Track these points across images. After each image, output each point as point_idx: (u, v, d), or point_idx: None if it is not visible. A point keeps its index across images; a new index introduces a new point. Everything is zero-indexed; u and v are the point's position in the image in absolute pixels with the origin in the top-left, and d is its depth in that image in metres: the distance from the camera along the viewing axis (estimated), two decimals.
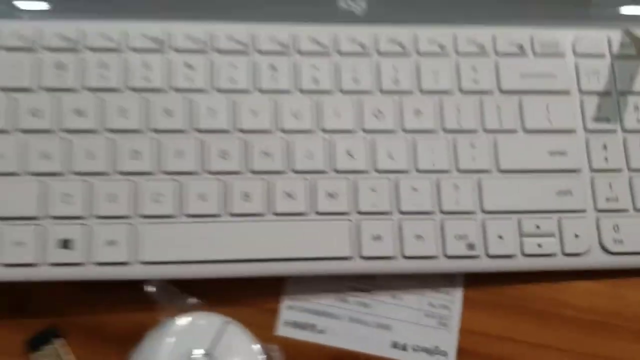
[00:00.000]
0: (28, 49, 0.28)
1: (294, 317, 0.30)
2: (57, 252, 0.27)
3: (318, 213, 0.28)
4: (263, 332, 0.29)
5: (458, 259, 0.28)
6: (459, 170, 0.29)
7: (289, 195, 0.28)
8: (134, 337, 0.27)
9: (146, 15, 0.29)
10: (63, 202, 0.27)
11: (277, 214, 0.28)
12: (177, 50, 0.29)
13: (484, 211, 0.29)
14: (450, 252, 0.28)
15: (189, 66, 0.29)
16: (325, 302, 0.30)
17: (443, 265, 0.28)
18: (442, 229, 0.28)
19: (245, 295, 0.30)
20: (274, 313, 0.30)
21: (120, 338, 0.29)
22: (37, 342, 0.29)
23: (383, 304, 0.31)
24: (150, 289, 0.28)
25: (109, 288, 0.29)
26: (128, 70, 0.28)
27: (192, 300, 0.29)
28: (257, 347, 0.27)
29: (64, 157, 0.27)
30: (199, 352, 0.26)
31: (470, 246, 0.28)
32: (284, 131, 0.29)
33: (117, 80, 0.28)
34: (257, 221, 0.28)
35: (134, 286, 0.29)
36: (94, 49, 0.29)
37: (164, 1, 0.30)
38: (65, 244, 0.27)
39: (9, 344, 0.29)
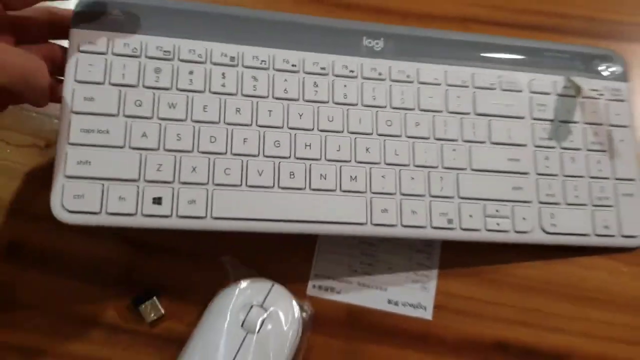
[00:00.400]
0: (135, 56, 0.38)
1: (319, 282, 0.41)
2: (150, 207, 0.36)
3: (343, 190, 0.38)
4: (298, 293, 0.39)
5: (440, 230, 0.39)
6: (444, 167, 0.39)
7: (323, 176, 0.38)
8: (211, 295, 0.38)
9: (225, 39, 0.39)
10: (157, 170, 0.36)
11: (313, 189, 0.38)
12: (246, 66, 0.39)
13: (460, 197, 0.39)
14: (435, 224, 0.38)
15: (255, 78, 0.39)
16: (341, 272, 0.40)
17: (429, 233, 0.39)
18: (430, 207, 0.39)
19: (286, 268, 0.41)
20: (305, 280, 0.41)
21: (201, 296, 0.39)
22: (139, 300, 0.39)
23: (381, 274, 0.41)
24: (224, 259, 0.39)
25: (196, 259, 0.40)
26: (209, 78, 0.38)
27: (250, 270, 0.39)
28: (294, 301, 0.37)
29: (159, 137, 0.37)
30: (256, 303, 0.36)
31: (450, 221, 0.39)
32: (320, 130, 0.39)
33: (201, 85, 0.38)
34: (298, 193, 0.38)
35: (213, 260, 0.39)
36: (184, 60, 0.38)
37: (240, 31, 0.40)
38: (157, 200, 0.36)
39: (120, 304, 0.39)
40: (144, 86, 0.37)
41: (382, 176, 0.39)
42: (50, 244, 0.40)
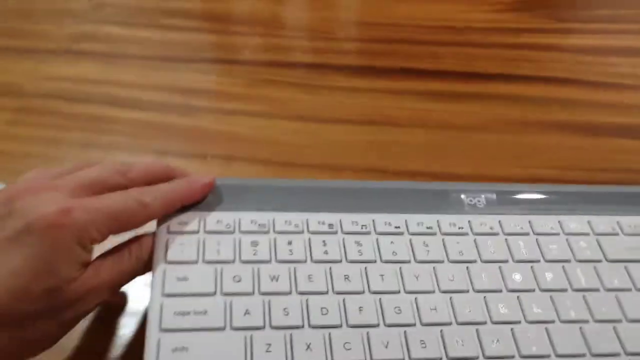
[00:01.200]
0: (229, 232, 0.35)
1: None
2: None
3: (487, 357, 0.31)
4: None
5: None
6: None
7: (459, 342, 0.32)
8: None
9: (319, 209, 0.37)
10: (266, 351, 0.30)
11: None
12: (346, 232, 0.36)
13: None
14: None
15: (358, 243, 0.35)
16: None
17: None
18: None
19: None
20: None
21: None
22: None
23: None
24: None
25: None
26: (309, 246, 0.34)
27: None
28: None
29: (264, 314, 0.31)
30: None
31: None
32: (443, 291, 0.34)
33: (302, 255, 0.34)
34: None
35: None
36: (281, 232, 0.35)
37: (331, 201, 0.37)
38: None
39: None
40: (241, 261, 0.33)
41: (528, 336, 0.32)
42: None
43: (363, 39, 0.57)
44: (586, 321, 0.34)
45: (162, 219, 0.34)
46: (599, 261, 0.36)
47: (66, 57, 0.54)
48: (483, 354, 0.31)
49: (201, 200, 0.36)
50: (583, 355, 0.32)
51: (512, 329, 0.33)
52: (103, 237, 0.31)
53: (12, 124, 0.47)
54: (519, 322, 0.33)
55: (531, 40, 0.57)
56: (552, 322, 0.33)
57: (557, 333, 0.33)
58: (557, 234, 0.37)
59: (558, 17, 0.60)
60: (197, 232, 0.34)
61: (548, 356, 0.32)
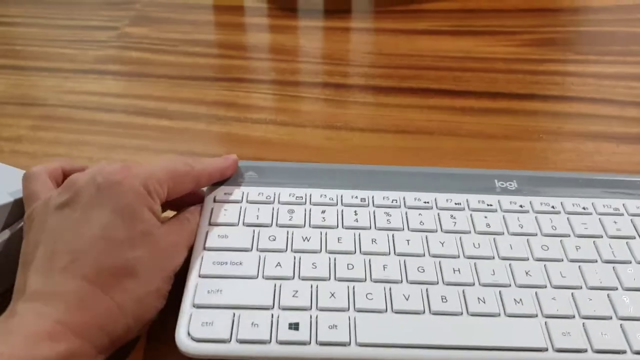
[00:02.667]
0: (269, 203, 0.38)
1: None
2: (286, 332, 0.31)
3: (508, 314, 0.32)
4: None
5: None
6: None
7: (481, 299, 0.32)
8: None
9: (353, 187, 0.39)
10: (293, 296, 0.32)
11: (472, 314, 0.32)
12: (377, 206, 0.38)
13: None
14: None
15: (388, 214, 0.37)
16: None
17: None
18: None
19: None
20: None
21: None
22: None
23: None
24: None
25: None
26: (342, 216, 0.37)
27: None
28: None
29: (294, 267, 0.34)
30: None
31: None
32: (467, 257, 0.35)
33: (334, 222, 0.37)
34: (456, 317, 0.32)
35: None
36: (316, 204, 0.38)
37: (366, 180, 0.40)
38: (293, 326, 0.31)
39: None
40: (278, 225, 0.36)
41: (553, 298, 0.33)
42: None
43: (387, 66, 0.58)
44: (614, 288, 0.33)
45: (209, 191, 0.38)
46: (633, 238, 0.36)
47: (91, 76, 0.56)
48: (504, 312, 0.32)
49: (231, 175, 0.39)
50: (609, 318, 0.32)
51: (535, 292, 0.33)
52: (162, 192, 0.34)
53: (36, 129, 0.49)
54: (545, 286, 0.33)
55: (553, 68, 0.58)
56: (580, 288, 0.33)
57: (581, 298, 0.33)
58: (590, 214, 0.38)
59: (576, 51, 0.62)
60: (240, 201, 0.38)
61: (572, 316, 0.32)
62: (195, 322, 0.31)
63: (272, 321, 0.31)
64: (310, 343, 0.30)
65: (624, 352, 0.31)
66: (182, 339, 0.30)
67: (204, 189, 0.39)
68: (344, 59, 0.60)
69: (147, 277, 0.31)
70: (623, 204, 0.38)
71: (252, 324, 0.31)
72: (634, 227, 0.37)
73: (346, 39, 0.65)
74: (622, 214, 0.38)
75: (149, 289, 0.31)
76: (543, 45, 0.62)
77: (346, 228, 0.36)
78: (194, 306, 0.32)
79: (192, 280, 0.33)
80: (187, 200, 0.37)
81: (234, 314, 0.31)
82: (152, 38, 0.63)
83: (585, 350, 0.31)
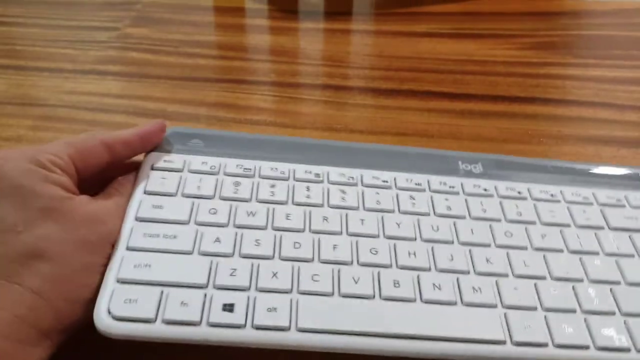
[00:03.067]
0: (213, 173, 0.34)
1: None
2: (219, 314, 0.28)
3: (465, 303, 0.29)
4: None
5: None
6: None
7: (436, 286, 0.30)
8: None
9: (307, 162, 0.36)
10: (230, 275, 0.29)
11: (426, 301, 0.29)
12: (332, 182, 0.35)
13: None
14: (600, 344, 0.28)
15: (342, 192, 0.34)
16: None
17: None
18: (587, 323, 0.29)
19: None
20: None
21: None
22: None
23: None
24: None
25: None
26: (293, 191, 0.34)
27: None
28: None
29: (235, 243, 0.31)
30: None
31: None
32: (425, 240, 0.32)
33: (284, 197, 0.33)
34: (408, 304, 0.29)
35: None
36: (266, 177, 0.35)
37: (322, 156, 0.37)
38: (228, 307, 0.28)
39: None
40: (220, 198, 0.33)
41: (515, 288, 0.30)
42: None
43: (388, 68, 0.57)
44: (580, 280, 0.31)
45: (147, 159, 0.35)
46: (601, 228, 0.34)
47: (91, 76, 0.55)
48: (461, 301, 0.29)
49: (159, 142, 0.36)
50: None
51: (496, 280, 0.30)
52: (65, 163, 0.30)
53: (36, 130, 0.48)
54: (507, 275, 0.31)
55: (553, 71, 0.57)
56: (544, 278, 0.31)
57: (545, 289, 0.30)
58: (558, 201, 0.35)
59: (577, 55, 0.61)
60: (181, 170, 0.34)
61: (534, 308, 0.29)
62: (117, 299, 0.27)
63: (204, 301, 0.28)
64: (245, 326, 0.27)
65: (587, 347, 0.28)
66: (101, 317, 0.27)
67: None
68: (344, 61, 0.59)
69: (62, 253, 0.28)
70: (593, 193, 0.36)
71: (181, 302, 0.28)
72: (604, 217, 0.35)
73: (346, 41, 0.64)
74: (591, 203, 0.35)
75: (70, 266, 0.28)
76: (543, 48, 0.61)
77: (296, 204, 0.33)
78: (117, 281, 0.28)
79: (119, 252, 0.30)
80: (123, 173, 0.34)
81: (162, 292, 0.28)
82: (153, 39, 0.62)
83: (546, 345, 0.28)
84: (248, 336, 0.27)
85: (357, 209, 0.34)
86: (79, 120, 0.50)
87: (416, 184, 0.35)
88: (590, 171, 0.38)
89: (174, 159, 0.35)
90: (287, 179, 0.35)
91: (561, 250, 0.32)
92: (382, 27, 0.66)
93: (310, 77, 0.56)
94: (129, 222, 0.31)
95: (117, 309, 0.27)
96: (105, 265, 0.29)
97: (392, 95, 0.53)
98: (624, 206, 0.35)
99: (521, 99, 0.53)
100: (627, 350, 0.28)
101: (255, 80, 0.56)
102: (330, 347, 0.27)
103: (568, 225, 0.34)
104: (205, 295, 0.28)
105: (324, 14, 0.70)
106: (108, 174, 0.34)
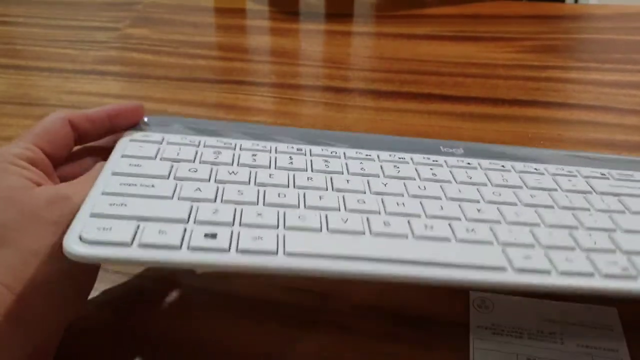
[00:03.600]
0: (193, 145, 0.33)
1: None
2: (201, 239, 0.25)
3: (460, 240, 0.28)
4: None
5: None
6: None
7: (429, 227, 0.28)
8: None
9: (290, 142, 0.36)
10: (212, 213, 0.27)
11: (418, 237, 0.28)
12: (315, 155, 0.34)
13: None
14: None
15: (326, 162, 0.33)
16: None
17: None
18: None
19: None
20: None
21: None
22: None
23: None
24: None
25: None
26: (275, 160, 0.33)
27: None
28: None
29: (217, 192, 0.29)
30: None
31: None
32: (412, 195, 0.31)
33: (266, 163, 0.33)
34: (401, 239, 0.27)
35: None
36: (247, 149, 0.34)
37: (311, 136, 0.37)
38: (211, 235, 0.26)
39: None
40: (200, 162, 0.32)
41: (509, 230, 0.29)
42: None
43: (388, 70, 0.58)
44: (575, 227, 0.30)
45: (125, 134, 0.34)
46: (590, 192, 0.34)
47: (91, 77, 0.55)
48: (455, 238, 0.28)
49: (136, 122, 0.36)
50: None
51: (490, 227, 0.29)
52: (31, 152, 0.30)
53: None
54: (499, 221, 0.30)
55: (554, 74, 0.58)
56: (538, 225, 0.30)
57: (541, 232, 0.29)
58: (543, 174, 0.35)
59: (577, 58, 0.62)
60: (160, 142, 0.33)
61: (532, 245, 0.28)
62: (90, 227, 0.25)
63: (184, 232, 0.26)
64: (229, 250, 0.25)
65: (591, 274, 0.27)
66: (70, 244, 0.24)
67: None
68: (344, 62, 0.60)
69: (20, 239, 0.26)
70: (577, 170, 0.36)
71: (159, 231, 0.26)
72: (590, 185, 0.34)
73: (347, 42, 0.65)
74: (575, 176, 0.35)
75: (30, 251, 0.26)
76: (544, 52, 0.63)
77: (279, 169, 0.32)
78: (91, 216, 0.26)
79: (92, 197, 0.28)
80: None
81: (139, 225, 0.26)
82: (153, 39, 0.63)
83: (548, 272, 0.26)
84: (232, 260, 0.25)
85: (341, 173, 0.33)
86: None
87: (400, 158, 0.35)
88: (573, 158, 0.38)
89: (152, 135, 0.34)
90: (269, 152, 0.34)
91: (552, 207, 0.32)
92: (383, 29, 0.67)
93: (311, 79, 0.57)
94: (104, 178, 0.29)
95: (90, 235, 0.25)
96: None
97: (393, 97, 0.53)
98: (608, 178, 0.35)
99: (522, 102, 0.53)
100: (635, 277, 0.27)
101: (256, 81, 0.56)
102: (320, 270, 0.25)
103: (555, 190, 0.34)
104: (186, 229, 0.26)
105: (325, 15, 0.71)
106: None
